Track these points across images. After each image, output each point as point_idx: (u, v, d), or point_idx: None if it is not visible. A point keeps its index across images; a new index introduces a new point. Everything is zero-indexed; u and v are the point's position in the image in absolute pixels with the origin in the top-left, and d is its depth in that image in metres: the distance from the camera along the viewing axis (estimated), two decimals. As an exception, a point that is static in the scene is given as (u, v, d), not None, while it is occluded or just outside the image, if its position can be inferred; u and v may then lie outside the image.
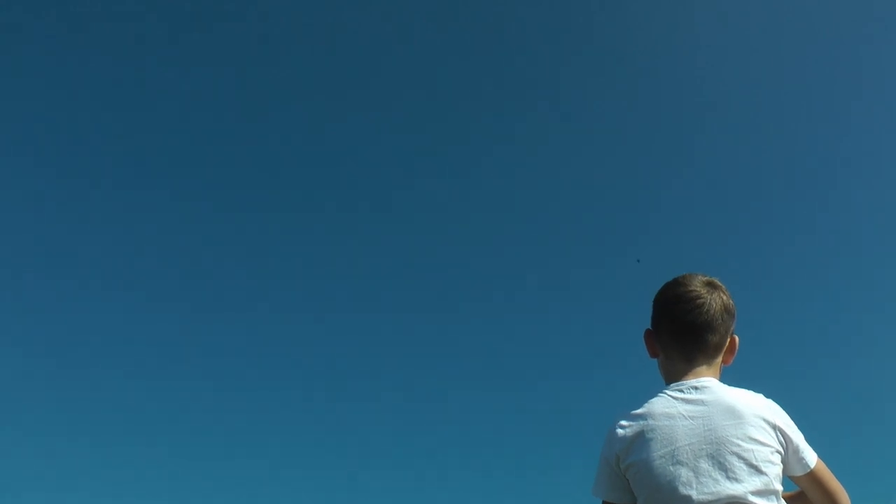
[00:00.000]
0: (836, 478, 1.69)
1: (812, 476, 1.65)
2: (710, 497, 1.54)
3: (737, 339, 1.79)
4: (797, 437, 1.64)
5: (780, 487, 1.60)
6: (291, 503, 8.88)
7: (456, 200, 10.61)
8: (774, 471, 1.59)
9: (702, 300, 1.72)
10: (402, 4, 10.49)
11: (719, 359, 1.76)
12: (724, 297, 1.75)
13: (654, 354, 1.81)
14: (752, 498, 1.54)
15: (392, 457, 9.35)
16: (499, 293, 10.31)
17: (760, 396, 1.67)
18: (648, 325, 1.83)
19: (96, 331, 9.94)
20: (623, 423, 1.68)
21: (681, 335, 1.73)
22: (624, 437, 1.66)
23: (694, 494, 1.55)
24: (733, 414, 1.61)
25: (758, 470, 1.56)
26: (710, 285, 1.76)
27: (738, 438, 1.58)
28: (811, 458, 1.65)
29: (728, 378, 1.76)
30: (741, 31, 9.65)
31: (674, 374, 1.73)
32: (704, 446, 1.58)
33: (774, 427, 1.61)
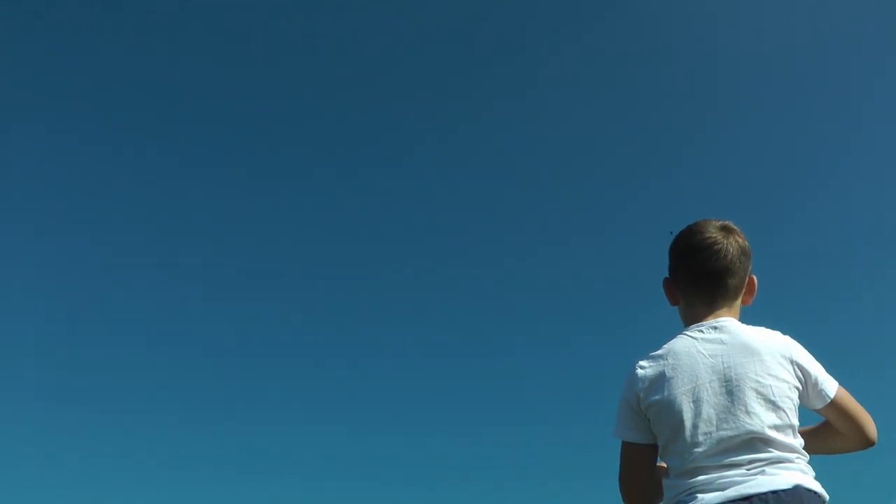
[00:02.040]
0: (860, 404, 1.72)
1: (833, 406, 1.67)
2: (730, 433, 1.56)
3: (755, 278, 1.81)
4: (816, 369, 1.67)
5: (796, 422, 1.62)
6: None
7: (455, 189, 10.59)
8: (792, 406, 1.61)
9: (719, 245, 1.74)
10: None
11: (738, 300, 1.78)
12: (741, 240, 1.77)
13: (674, 302, 1.83)
14: (769, 432, 1.56)
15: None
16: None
17: (778, 333, 1.70)
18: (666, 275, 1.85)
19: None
20: (643, 363, 1.71)
21: (700, 281, 1.76)
22: (644, 377, 1.68)
23: (714, 431, 1.57)
24: (751, 351, 1.63)
25: (775, 405, 1.58)
26: (726, 229, 1.77)
27: (756, 374, 1.60)
28: (831, 388, 1.67)
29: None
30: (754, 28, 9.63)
31: (695, 317, 1.75)
32: (724, 383, 1.60)
33: (792, 362, 1.64)
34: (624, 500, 1.75)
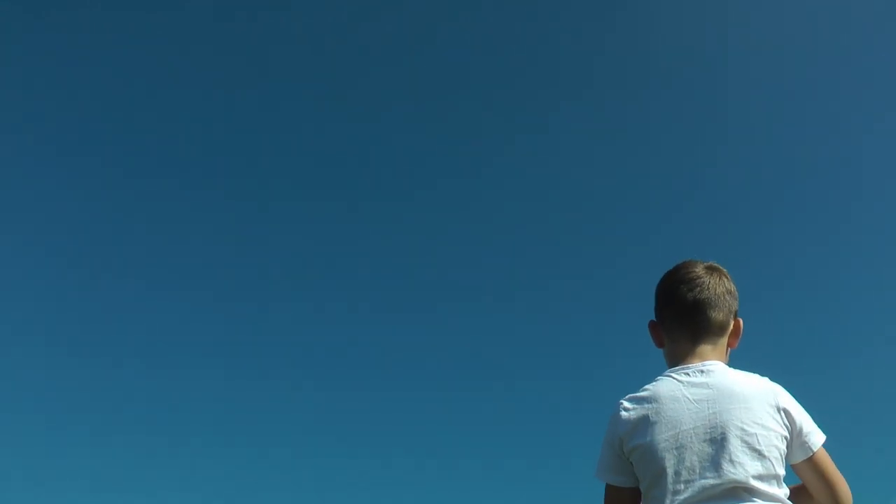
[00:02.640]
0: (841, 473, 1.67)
1: (815, 461, 1.64)
2: (713, 481, 1.54)
3: (741, 321, 1.79)
4: (803, 417, 1.64)
5: (782, 472, 1.60)
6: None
7: (464, 200, 10.55)
8: (778, 455, 1.58)
9: (702, 279, 1.76)
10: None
11: (724, 340, 1.76)
12: (726, 280, 1.79)
13: (660, 344, 1.82)
14: (753, 482, 1.54)
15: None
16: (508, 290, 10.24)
17: (766, 380, 1.67)
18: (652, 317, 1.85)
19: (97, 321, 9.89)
20: (627, 405, 1.69)
21: (684, 315, 1.75)
22: (628, 420, 1.66)
23: (697, 478, 1.55)
24: (738, 397, 1.61)
25: (761, 454, 1.56)
26: (711, 268, 1.79)
27: (742, 422, 1.58)
28: (816, 440, 1.64)
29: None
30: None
31: (679, 356, 1.74)
32: (709, 430, 1.58)
33: (779, 409, 1.61)
34: None
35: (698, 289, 1.74)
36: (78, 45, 9.51)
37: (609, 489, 1.71)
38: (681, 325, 1.76)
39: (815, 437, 1.64)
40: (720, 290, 1.75)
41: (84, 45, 9.51)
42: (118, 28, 9.47)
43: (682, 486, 1.56)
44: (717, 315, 1.74)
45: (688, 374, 1.68)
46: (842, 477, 1.67)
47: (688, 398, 1.63)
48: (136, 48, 9.57)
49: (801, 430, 1.63)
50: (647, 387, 1.70)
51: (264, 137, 10.14)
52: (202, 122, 10.10)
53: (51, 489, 8.01)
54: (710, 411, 1.60)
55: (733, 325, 1.78)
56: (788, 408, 1.63)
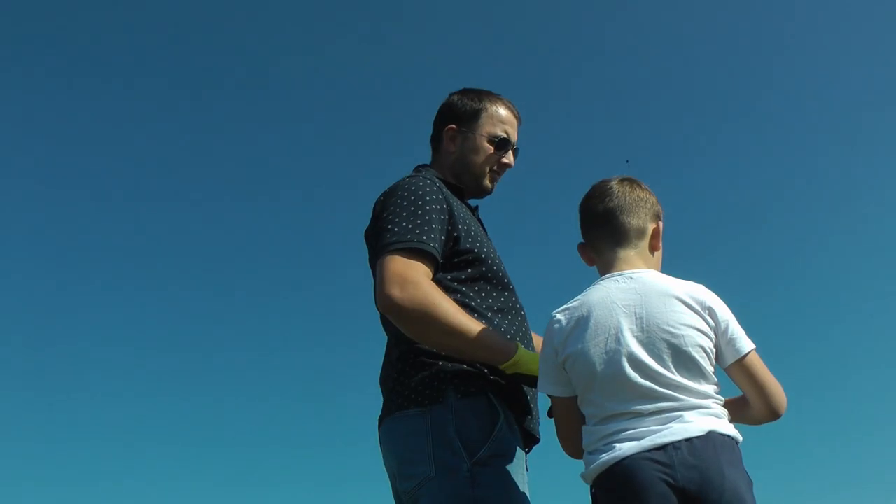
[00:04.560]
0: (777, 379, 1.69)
1: (745, 364, 1.66)
2: (644, 381, 1.58)
3: (660, 224, 1.83)
4: (730, 319, 1.66)
5: (711, 368, 1.63)
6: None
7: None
8: (704, 353, 1.62)
9: (612, 189, 1.81)
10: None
11: (645, 244, 1.79)
12: (639, 189, 1.83)
13: (590, 262, 1.85)
14: (682, 380, 1.59)
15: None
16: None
17: (696, 284, 1.70)
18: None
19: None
20: (559, 316, 1.73)
21: (600, 226, 1.80)
22: (561, 330, 1.70)
23: (629, 380, 1.59)
24: (665, 299, 1.65)
25: (689, 353, 1.60)
26: (623, 179, 1.84)
27: (669, 324, 1.61)
28: (745, 345, 1.65)
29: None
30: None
31: (607, 264, 1.78)
32: (638, 332, 1.62)
33: (706, 308, 1.64)
34: (563, 449, 1.78)
35: (608, 198, 1.80)
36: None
37: (554, 401, 1.75)
38: (600, 236, 1.80)
39: (744, 343, 1.65)
40: (631, 197, 1.80)
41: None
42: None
43: (616, 388, 1.60)
44: (631, 220, 1.78)
45: (617, 281, 1.71)
46: (775, 380, 1.69)
47: (616, 303, 1.67)
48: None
49: (726, 330, 1.65)
50: (577, 297, 1.74)
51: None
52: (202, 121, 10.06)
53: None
54: (639, 315, 1.64)
55: (652, 229, 1.81)
56: (714, 307, 1.65)
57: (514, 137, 2.16)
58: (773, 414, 1.70)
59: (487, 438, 1.73)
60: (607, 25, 10.46)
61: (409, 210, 1.83)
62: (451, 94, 2.19)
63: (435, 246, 1.80)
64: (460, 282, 1.87)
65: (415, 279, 1.73)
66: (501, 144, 2.12)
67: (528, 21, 10.55)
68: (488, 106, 2.14)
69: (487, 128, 2.12)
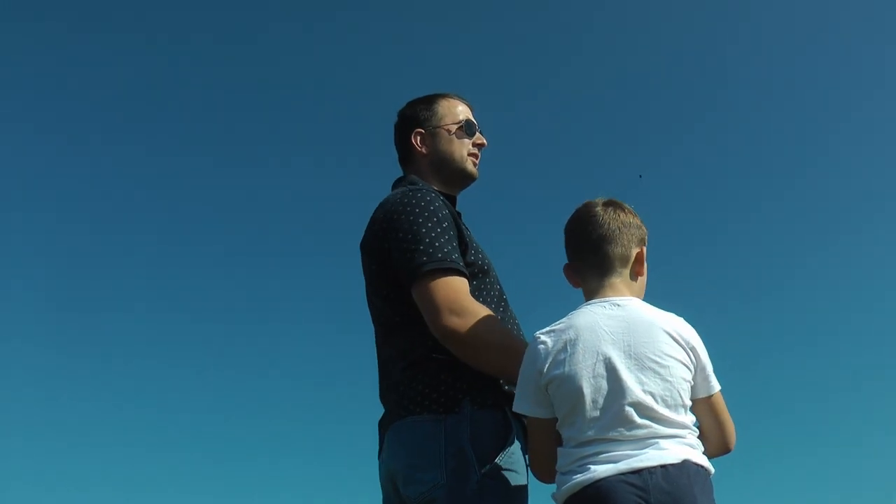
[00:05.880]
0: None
1: (712, 402, 1.72)
2: (626, 408, 1.60)
3: (644, 250, 1.84)
4: (707, 359, 1.72)
5: (688, 402, 1.67)
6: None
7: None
8: (685, 387, 1.66)
9: (597, 217, 1.81)
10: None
11: (628, 270, 1.81)
12: (622, 213, 1.83)
13: (576, 284, 1.86)
14: (662, 410, 1.61)
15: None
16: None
17: (679, 317, 1.73)
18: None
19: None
20: (544, 338, 1.72)
21: (585, 253, 1.81)
22: (546, 352, 1.70)
23: (610, 406, 1.61)
24: (652, 329, 1.67)
25: (671, 384, 1.63)
26: (609, 204, 1.85)
27: (654, 354, 1.64)
28: (716, 384, 1.72)
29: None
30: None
31: (591, 291, 1.79)
32: (624, 360, 1.64)
33: (689, 346, 1.68)
34: (533, 471, 1.79)
35: (592, 226, 1.81)
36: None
37: (530, 421, 1.76)
38: (583, 262, 1.82)
39: (715, 382, 1.72)
40: (615, 224, 1.80)
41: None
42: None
43: (598, 413, 1.61)
44: (615, 249, 1.79)
45: (604, 307, 1.73)
46: (730, 418, 1.77)
47: (604, 329, 1.68)
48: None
49: (703, 368, 1.70)
50: (562, 320, 1.75)
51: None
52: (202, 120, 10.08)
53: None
54: (626, 343, 1.66)
55: (636, 255, 1.82)
56: (696, 345, 1.70)
57: (475, 120, 2.23)
58: (726, 448, 1.77)
59: (500, 452, 1.77)
60: (605, 25, 10.43)
61: (427, 227, 1.87)
62: (399, 112, 2.26)
63: (462, 263, 1.87)
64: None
65: (470, 308, 1.81)
66: (468, 126, 2.19)
67: (527, 20, 10.55)
68: (441, 101, 2.22)
69: (449, 118, 2.19)
